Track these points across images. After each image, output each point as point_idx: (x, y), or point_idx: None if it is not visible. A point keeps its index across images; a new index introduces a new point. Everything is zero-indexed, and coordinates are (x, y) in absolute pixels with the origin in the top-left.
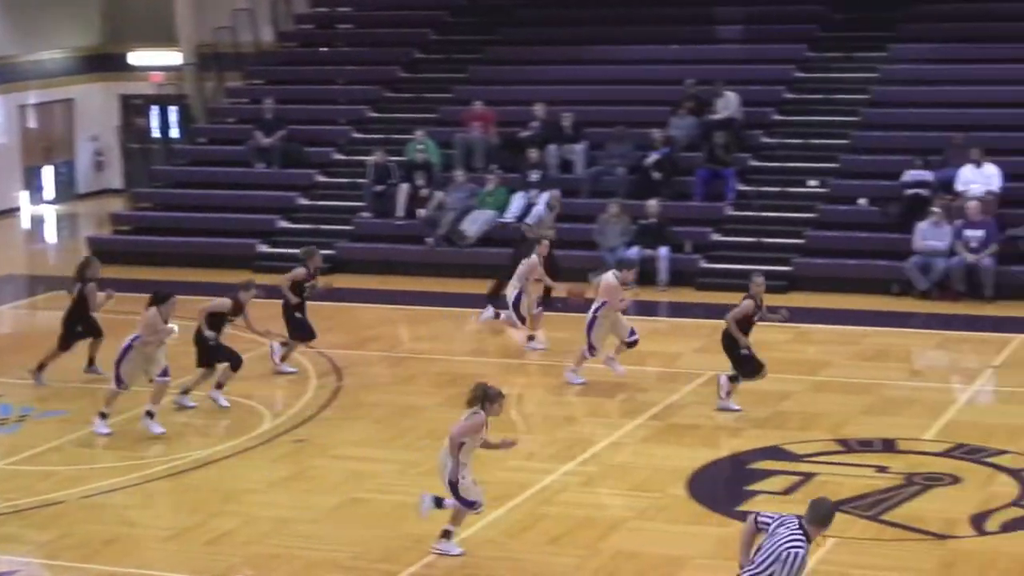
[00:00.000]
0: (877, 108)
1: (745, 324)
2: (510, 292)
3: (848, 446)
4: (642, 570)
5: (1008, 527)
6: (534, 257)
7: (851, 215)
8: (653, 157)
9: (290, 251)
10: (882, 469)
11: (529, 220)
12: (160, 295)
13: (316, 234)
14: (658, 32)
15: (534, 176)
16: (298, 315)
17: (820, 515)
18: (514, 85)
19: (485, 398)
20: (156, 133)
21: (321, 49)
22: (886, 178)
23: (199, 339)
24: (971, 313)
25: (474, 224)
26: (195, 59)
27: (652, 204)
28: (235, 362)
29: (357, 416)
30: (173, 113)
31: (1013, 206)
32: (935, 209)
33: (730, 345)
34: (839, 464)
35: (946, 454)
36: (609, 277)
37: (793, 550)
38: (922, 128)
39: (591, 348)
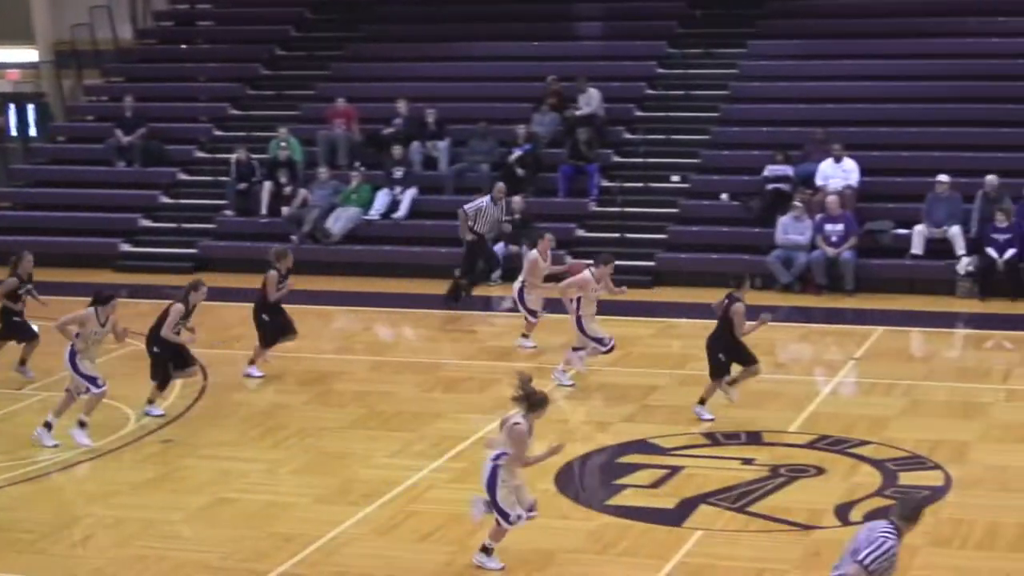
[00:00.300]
0: (737, 104)
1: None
2: (515, 286)
3: (714, 439)
4: (512, 565)
5: (871, 517)
6: (534, 252)
7: (713, 210)
8: (516, 153)
9: (153, 250)
10: (748, 461)
11: (469, 212)
12: (101, 296)
13: (179, 232)
14: (520, 29)
15: (398, 173)
16: (266, 317)
17: (909, 510)
18: (377, 82)
19: (530, 405)
20: (14, 132)
21: (181, 46)
22: (747, 173)
23: (149, 349)
24: (832, 306)
25: (338, 222)
26: (52, 56)
27: (516, 200)
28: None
29: (224, 415)
30: (31, 111)
31: (872, 200)
32: (796, 204)
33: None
34: (706, 457)
35: (810, 446)
36: (585, 273)
37: (885, 538)
38: (782, 123)
39: (599, 342)
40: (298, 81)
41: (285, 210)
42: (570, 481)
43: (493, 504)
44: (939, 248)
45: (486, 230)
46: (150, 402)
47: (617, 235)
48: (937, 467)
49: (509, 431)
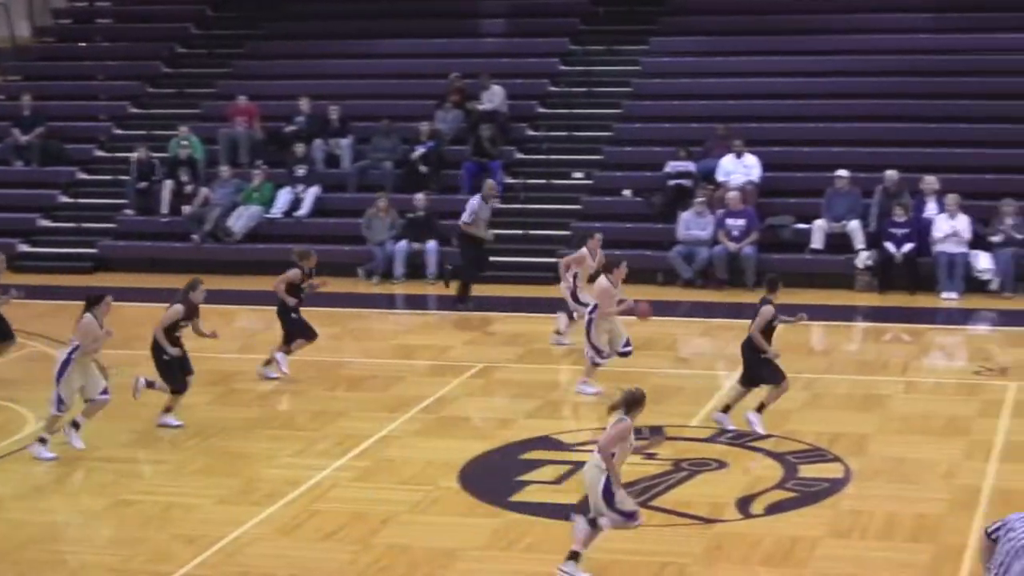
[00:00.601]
0: (639, 100)
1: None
2: (563, 289)
3: None
4: (416, 563)
5: (772, 509)
6: (583, 250)
7: (616, 206)
8: (419, 151)
9: (52, 250)
10: (650, 456)
11: (465, 217)
12: (93, 296)
13: (78, 232)
14: (422, 26)
15: (300, 171)
16: (294, 316)
17: None
18: (278, 80)
19: (631, 403)
20: None
21: (80, 44)
22: (649, 169)
23: (157, 357)
24: (734, 301)
25: (240, 220)
26: None
27: (419, 198)
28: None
29: (123, 417)
30: None
31: (772, 195)
32: (697, 200)
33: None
34: None
35: (712, 440)
36: (601, 280)
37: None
38: (683, 120)
39: (596, 352)
40: (199, 79)
41: (186, 209)
42: (473, 478)
43: (612, 510)
44: (838, 242)
45: (481, 230)
46: (167, 410)
47: (520, 232)
48: (837, 459)
49: (613, 426)
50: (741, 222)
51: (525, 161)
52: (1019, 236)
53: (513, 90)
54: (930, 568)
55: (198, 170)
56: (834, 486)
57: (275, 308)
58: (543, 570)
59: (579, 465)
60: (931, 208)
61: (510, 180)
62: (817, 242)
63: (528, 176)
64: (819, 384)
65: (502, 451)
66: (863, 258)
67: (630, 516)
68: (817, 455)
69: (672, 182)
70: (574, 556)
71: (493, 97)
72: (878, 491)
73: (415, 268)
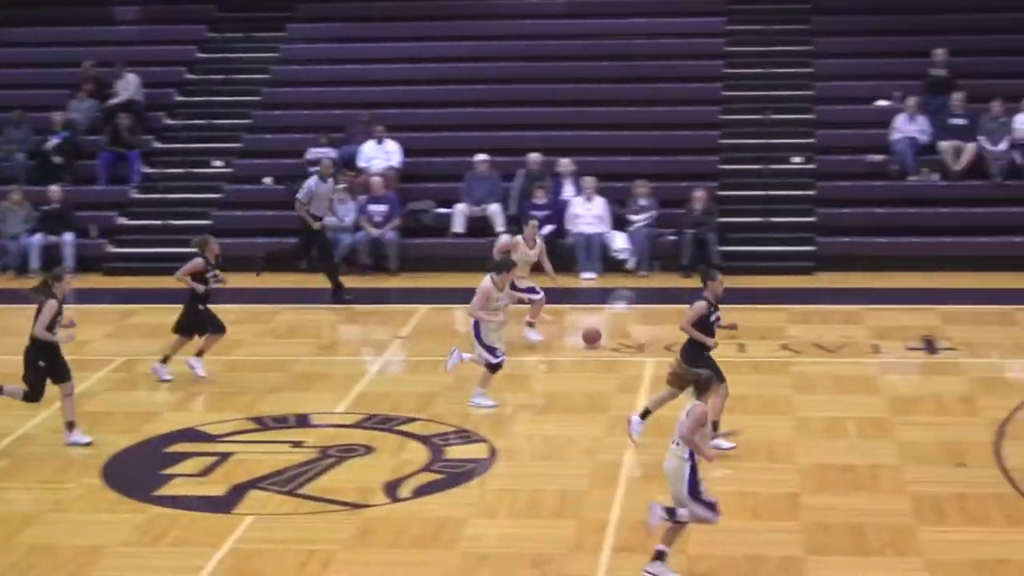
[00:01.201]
0: (278, 88)
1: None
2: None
3: (263, 423)
4: (59, 563)
5: (419, 492)
6: (518, 238)
7: (257, 194)
8: (53, 141)
9: None
10: (297, 444)
11: (303, 198)
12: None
13: None
14: (53, 13)
15: None
16: (202, 307)
17: None
18: None
19: (700, 386)
20: None
21: None
22: (290, 156)
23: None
24: (378, 286)
25: None
26: None
27: (54, 189)
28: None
29: None
30: None
31: (413, 181)
32: (339, 185)
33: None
34: (255, 442)
35: (358, 425)
36: (486, 280)
37: None
38: (323, 106)
39: (490, 351)
40: None
41: None
42: (117, 474)
43: (696, 501)
44: (480, 226)
45: (322, 210)
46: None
47: (160, 222)
48: (482, 440)
49: (691, 412)
50: (383, 208)
51: (164, 150)
52: (652, 216)
53: (149, 78)
54: (575, 542)
55: None
56: (480, 466)
57: None
58: (190, 564)
59: (225, 456)
60: (568, 191)
61: (149, 170)
62: (458, 226)
63: (167, 165)
64: (463, 366)
65: (146, 445)
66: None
67: (712, 507)
68: (462, 436)
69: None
70: (660, 556)
71: (129, 86)
72: (523, 469)
73: (52, 261)
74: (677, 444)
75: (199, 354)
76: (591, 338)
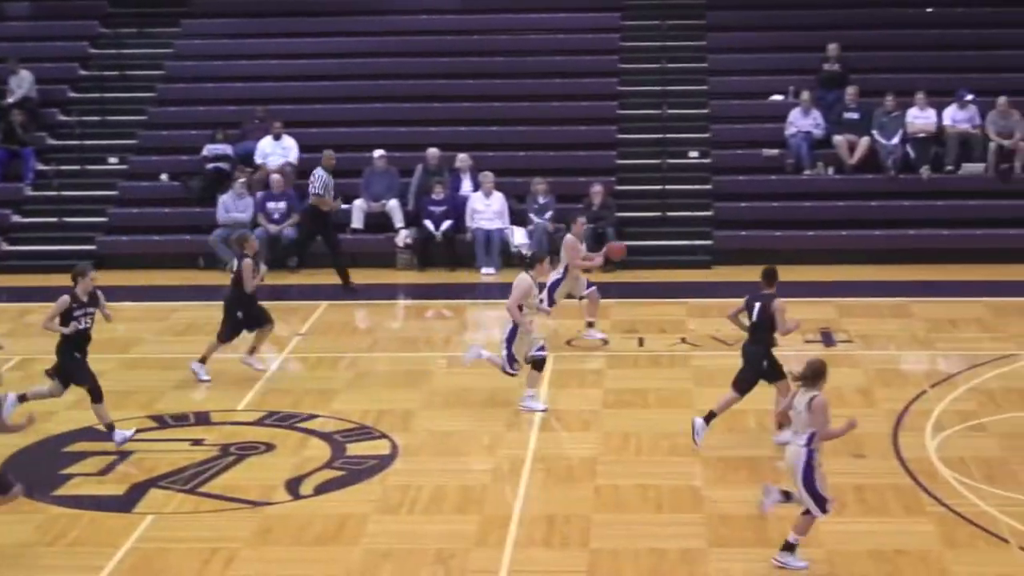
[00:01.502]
0: (173, 84)
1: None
2: (551, 276)
3: (163, 422)
4: None
5: (321, 489)
6: (569, 236)
7: (153, 191)
8: None
9: None
10: (197, 442)
11: (319, 191)
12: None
13: None
14: None
15: None
16: (239, 314)
17: None
18: None
19: (822, 376)
20: None
21: None
22: (186, 153)
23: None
24: (277, 283)
25: None
26: None
27: None
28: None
29: None
30: None
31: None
32: (236, 182)
33: None
34: (155, 440)
35: (259, 423)
36: (522, 276)
37: None
38: (219, 102)
39: (510, 362)
40: None
41: None
42: (15, 474)
43: (809, 492)
44: (378, 222)
45: (333, 197)
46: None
47: (55, 219)
48: (384, 436)
49: (812, 406)
50: (282, 204)
51: (58, 147)
52: (549, 211)
53: (42, 75)
54: (477, 537)
55: None
56: (382, 463)
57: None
58: (90, 563)
59: (125, 455)
60: (467, 186)
61: (43, 167)
62: (357, 222)
63: (61, 162)
64: (363, 362)
65: (43, 444)
66: (403, 236)
67: (824, 501)
68: (364, 433)
69: (210, 165)
70: (789, 547)
71: (22, 82)
72: (425, 465)
73: None
74: (796, 433)
75: (252, 351)
76: (615, 252)
